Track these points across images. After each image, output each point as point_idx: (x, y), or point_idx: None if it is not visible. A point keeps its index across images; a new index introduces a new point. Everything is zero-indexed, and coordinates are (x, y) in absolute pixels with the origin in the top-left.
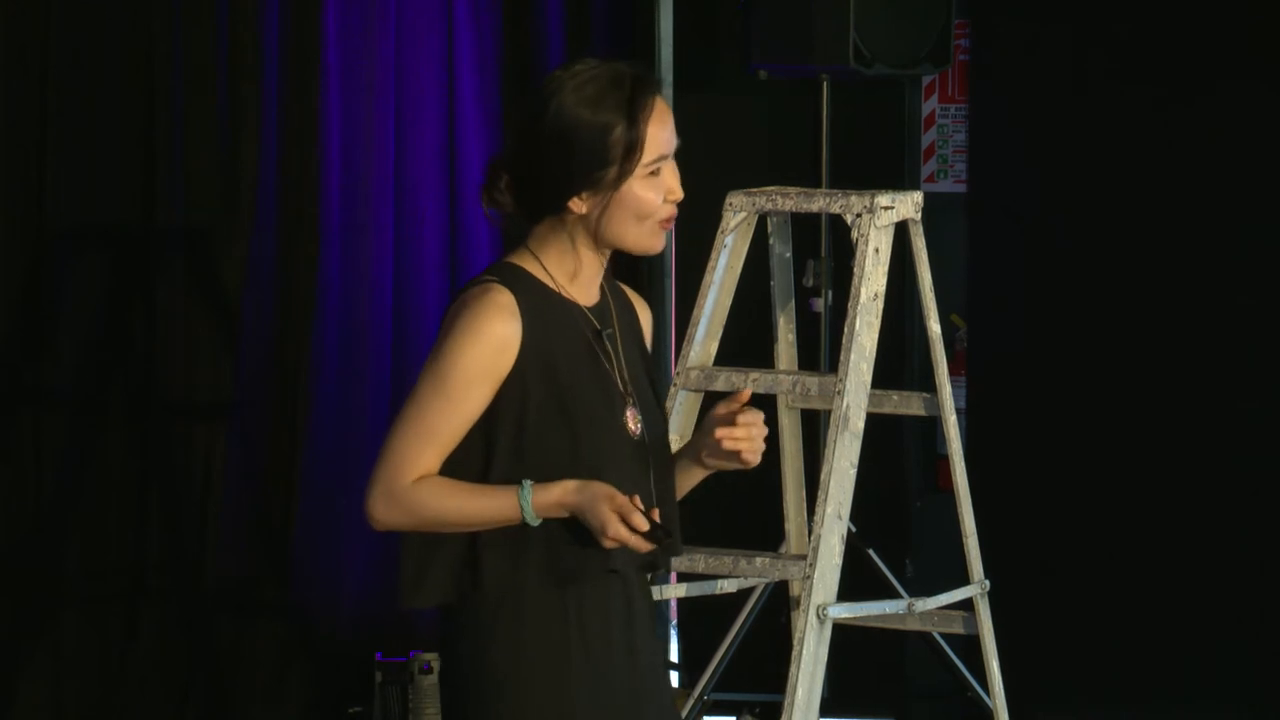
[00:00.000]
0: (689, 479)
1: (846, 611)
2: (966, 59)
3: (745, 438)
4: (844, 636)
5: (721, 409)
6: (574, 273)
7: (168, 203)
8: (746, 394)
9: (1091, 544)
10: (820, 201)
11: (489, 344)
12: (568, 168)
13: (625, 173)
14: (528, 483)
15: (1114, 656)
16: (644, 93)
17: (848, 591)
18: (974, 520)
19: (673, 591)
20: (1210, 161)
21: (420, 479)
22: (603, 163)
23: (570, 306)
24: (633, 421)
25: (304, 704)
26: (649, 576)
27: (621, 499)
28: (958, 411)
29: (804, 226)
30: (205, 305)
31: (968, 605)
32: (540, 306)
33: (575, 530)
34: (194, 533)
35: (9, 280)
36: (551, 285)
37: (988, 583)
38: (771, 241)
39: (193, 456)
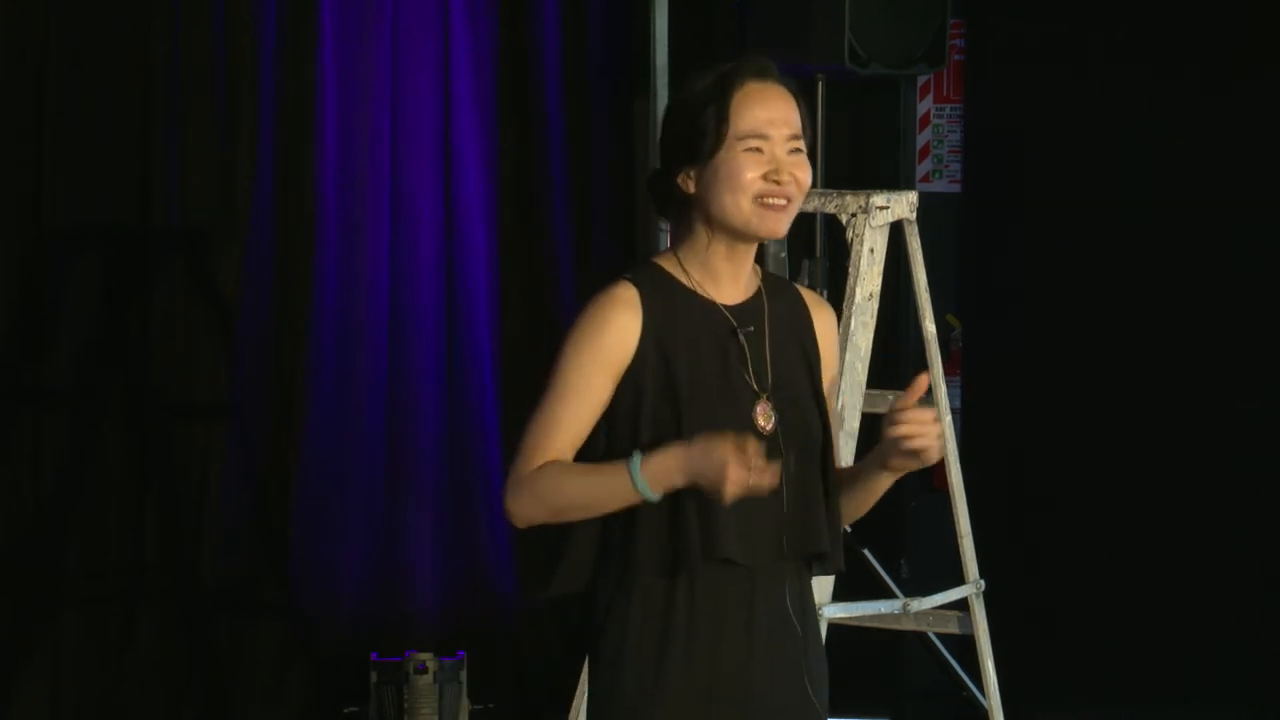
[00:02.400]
0: (879, 484)
1: (842, 611)
2: (962, 59)
3: (921, 435)
4: (839, 636)
5: (896, 408)
6: (712, 270)
7: (165, 203)
8: (923, 384)
9: (1088, 544)
10: (815, 201)
11: (605, 334)
12: (672, 143)
13: (718, 140)
14: (638, 452)
15: (1111, 656)
16: (743, 73)
17: (843, 591)
18: (969, 520)
19: None
20: (1209, 160)
21: (544, 464)
22: (699, 134)
23: (704, 304)
24: (763, 418)
25: (302, 704)
26: (798, 591)
27: (739, 441)
28: (953, 411)
29: (799, 227)
30: (203, 306)
31: (963, 605)
32: (667, 302)
33: (683, 519)
34: (192, 533)
35: (8, 280)
36: (686, 283)
37: (983, 582)
38: (766, 241)
39: (191, 457)
